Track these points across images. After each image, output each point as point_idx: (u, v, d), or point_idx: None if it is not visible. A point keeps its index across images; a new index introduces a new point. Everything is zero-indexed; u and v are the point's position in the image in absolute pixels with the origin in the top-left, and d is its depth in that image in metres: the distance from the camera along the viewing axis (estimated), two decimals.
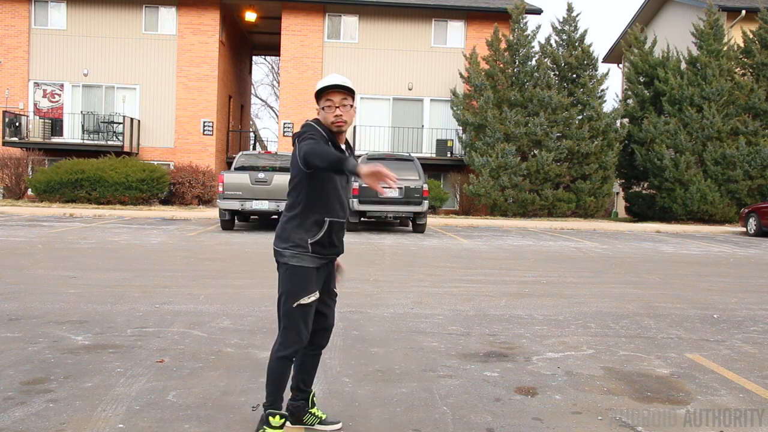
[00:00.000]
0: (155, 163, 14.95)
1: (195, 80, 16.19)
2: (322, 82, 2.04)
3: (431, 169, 15.77)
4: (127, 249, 7.16)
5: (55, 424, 2.16)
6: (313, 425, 2.20)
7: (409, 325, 3.80)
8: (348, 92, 2.02)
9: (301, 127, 2.04)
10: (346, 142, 2.13)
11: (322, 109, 2.03)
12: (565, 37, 15.31)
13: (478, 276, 5.87)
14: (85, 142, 15.79)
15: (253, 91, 28.81)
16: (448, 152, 15.98)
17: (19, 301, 4.14)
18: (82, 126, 16.04)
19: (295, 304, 2.00)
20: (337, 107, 2.00)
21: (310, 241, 2.01)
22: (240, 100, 20.64)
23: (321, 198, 2.01)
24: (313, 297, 2.02)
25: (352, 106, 2.04)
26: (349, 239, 9.14)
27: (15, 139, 15.25)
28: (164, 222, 11.21)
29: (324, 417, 2.22)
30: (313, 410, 2.22)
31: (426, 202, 10.25)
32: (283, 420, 2.02)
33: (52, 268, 5.57)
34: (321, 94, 2.03)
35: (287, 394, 2.11)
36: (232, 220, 10.04)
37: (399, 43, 16.39)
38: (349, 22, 16.44)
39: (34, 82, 16.17)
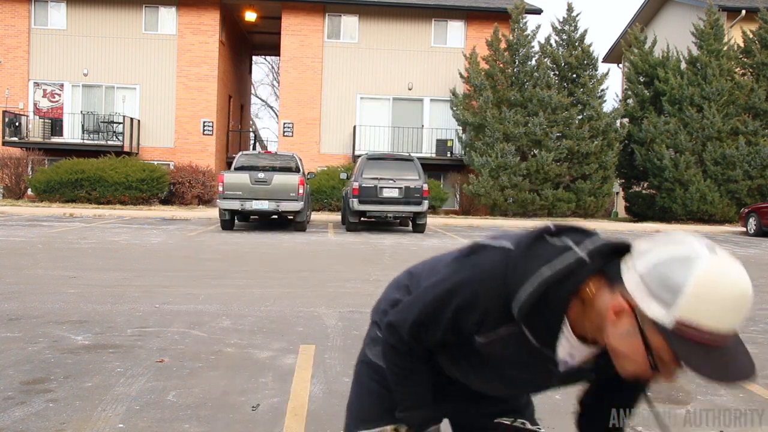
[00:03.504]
0: (155, 163, 14.95)
1: (195, 80, 16.19)
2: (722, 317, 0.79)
3: (431, 169, 15.76)
4: (127, 249, 7.15)
5: (55, 424, 2.16)
6: None
7: None
8: None
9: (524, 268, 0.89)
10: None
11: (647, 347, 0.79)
12: (565, 36, 15.31)
13: None
14: (85, 142, 15.79)
15: (253, 91, 28.81)
16: (448, 152, 15.98)
17: (19, 301, 4.14)
18: (82, 126, 16.04)
19: None
20: None
21: None
22: (240, 100, 20.64)
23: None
24: None
25: None
26: (349, 239, 9.13)
27: (15, 138, 15.25)
28: (164, 222, 11.21)
29: None
30: None
31: (426, 202, 10.24)
32: None
33: (52, 268, 5.56)
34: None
35: None
36: (232, 220, 10.03)
37: (399, 43, 16.39)
38: (349, 22, 16.44)
39: (34, 82, 16.16)
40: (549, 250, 0.82)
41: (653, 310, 0.72)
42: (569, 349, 0.86)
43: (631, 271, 0.76)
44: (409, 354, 0.94)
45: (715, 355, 0.71)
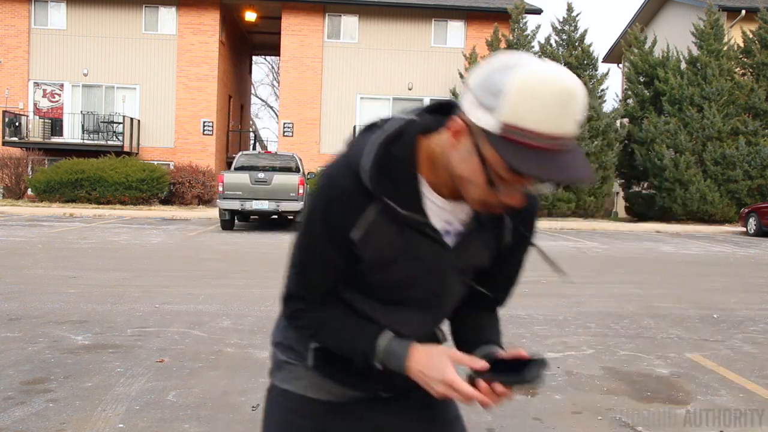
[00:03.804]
0: (155, 163, 14.95)
1: (195, 80, 16.19)
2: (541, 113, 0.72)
3: None
4: (127, 249, 7.15)
5: (55, 424, 2.16)
6: None
7: None
8: None
9: (325, 172, 0.87)
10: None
11: (486, 170, 0.75)
12: (565, 37, 15.31)
13: None
14: (85, 142, 15.79)
15: (253, 91, 28.80)
16: None
17: (19, 301, 4.14)
18: (82, 126, 16.04)
19: None
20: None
21: None
22: (240, 100, 20.64)
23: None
24: None
25: None
26: None
27: (15, 138, 15.25)
28: (164, 222, 11.21)
29: None
30: None
31: None
32: None
33: (52, 268, 5.56)
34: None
35: None
36: (232, 220, 10.03)
37: (399, 43, 16.39)
38: (349, 22, 16.44)
39: (34, 82, 16.16)
40: (378, 125, 0.84)
41: (481, 118, 0.70)
42: (439, 213, 0.83)
43: (466, 92, 0.74)
44: (312, 309, 0.86)
45: (545, 158, 0.69)
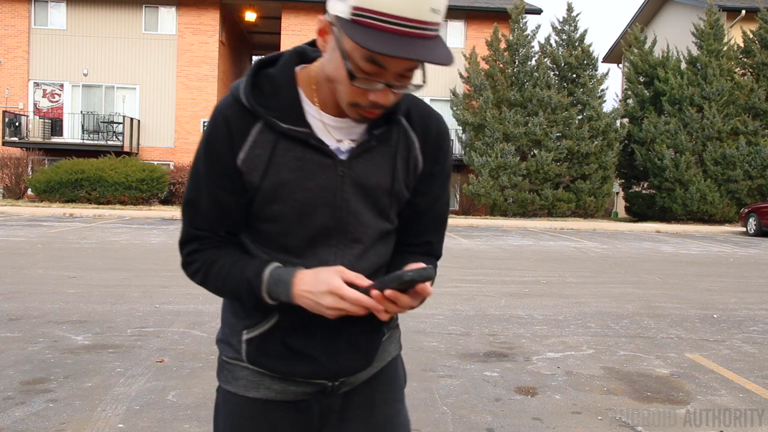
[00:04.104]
0: (155, 163, 14.96)
1: (195, 80, 16.19)
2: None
3: None
4: (127, 249, 7.16)
5: (55, 424, 2.16)
6: None
7: (408, 325, 3.80)
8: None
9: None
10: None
11: (350, 74, 0.73)
12: (564, 36, 15.32)
13: (477, 276, 5.87)
14: (85, 142, 15.79)
15: None
16: None
17: (19, 301, 4.14)
18: (82, 126, 16.05)
19: None
20: (392, 86, 0.75)
21: None
22: None
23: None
24: None
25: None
26: None
27: (15, 139, 15.26)
28: (164, 222, 11.21)
29: None
30: None
31: None
32: None
33: (52, 268, 5.56)
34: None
35: None
36: None
37: None
38: None
39: (34, 82, 16.17)
40: (264, 60, 0.84)
41: (335, 6, 0.71)
42: (329, 130, 0.81)
43: None
44: (204, 249, 0.82)
45: (397, 39, 0.68)
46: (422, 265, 0.76)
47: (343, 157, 0.81)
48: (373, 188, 0.83)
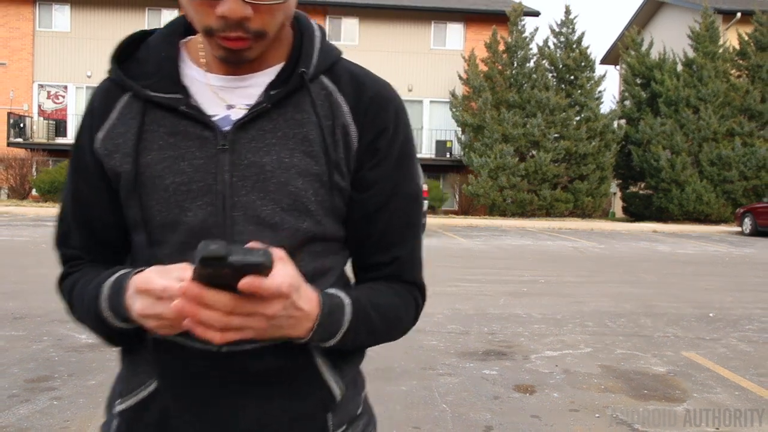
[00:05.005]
0: None
1: None
2: None
3: (431, 169, 15.82)
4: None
5: (59, 422, 2.19)
6: None
7: None
8: None
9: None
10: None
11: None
12: (562, 39, 15.39)
13: (477, 275, 5.90)
14: None
15: None
16: (448, 153, 16.03)
17: (23, 300, 4.15)
18: None
19: None
20: None
21: None
22: None
23: None
24: None
25: None
26: None
27: (19, 140, 15.27)
28: None
29: None
30: None
31: (425, 203, 10.28)
32: None
33: (56, 267, 5.55)
34: None
35: None
36: None
37: (399, 45, 16.44)
38: (350, 25, 16.49)
39: (39, 84, 16.17)
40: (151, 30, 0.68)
41: None
42: (216, 94, 0.61)
43: None
44: (72, 271, 0.68)
45: None
46: (259, 245, 0.48)
47: (227, 127, 0.59)
48: (274, 169, 0.59)
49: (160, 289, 0.51)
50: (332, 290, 0.58)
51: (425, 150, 16.36)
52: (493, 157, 14.29)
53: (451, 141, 16.08)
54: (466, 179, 15.00)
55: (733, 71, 15.19)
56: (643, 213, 15.62)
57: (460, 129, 15.48)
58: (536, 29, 15.46)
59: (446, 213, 15.40)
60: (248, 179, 0.59)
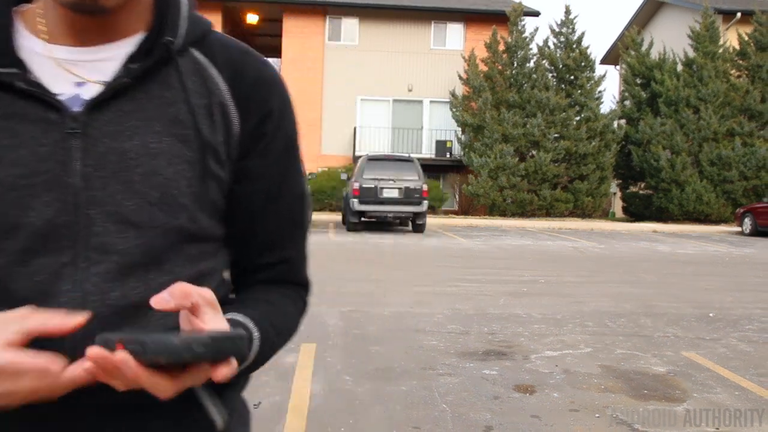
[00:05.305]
0: None
1: None
2: None
3: (431, 169, 15.81)
4: None
5: None
6: None
7: (408, 323, 3.84)
8: None
9: None
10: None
11: None
12: (562, 39, 15.41)
13: (477, 275, 5.90)
14: None
15: None
16: (448, 153, 16.04)
17: None
18: None
19: None
20: None
21: None
22: None
23: None
24: None
25: None
26: (350, 239, 9.17)
27: None
28: None
29: None
30: None
31: (425, 202, 10.30)
32: None
33: None
34: None
35: None
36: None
37: (399, 45, 16.45)
38: (350, 25, 16.49)
39: None
40: None
41: None
42: (55, 68, 0.50)
43: None
44: None
45: None
46: (226, 326, 0.43)
47: (77, 108, 0.49)
48: (139, 156, 0.49)
49: (9, 363, 0.40)
50: (240, 317, 0.49)
51: (425, 150, 16.37)
52: (493, 157, 14.30)
53: (451, 141, 16.09)
54: (466, 179, 15.01)
55: (733, 71, 15.20)
56: (643, 213, 15.63)
57: (460, 129, 15.49)
58: (536, 29, 15.48)
59: (446, 213, 15.41)
60: (106, 169, 0.48)
